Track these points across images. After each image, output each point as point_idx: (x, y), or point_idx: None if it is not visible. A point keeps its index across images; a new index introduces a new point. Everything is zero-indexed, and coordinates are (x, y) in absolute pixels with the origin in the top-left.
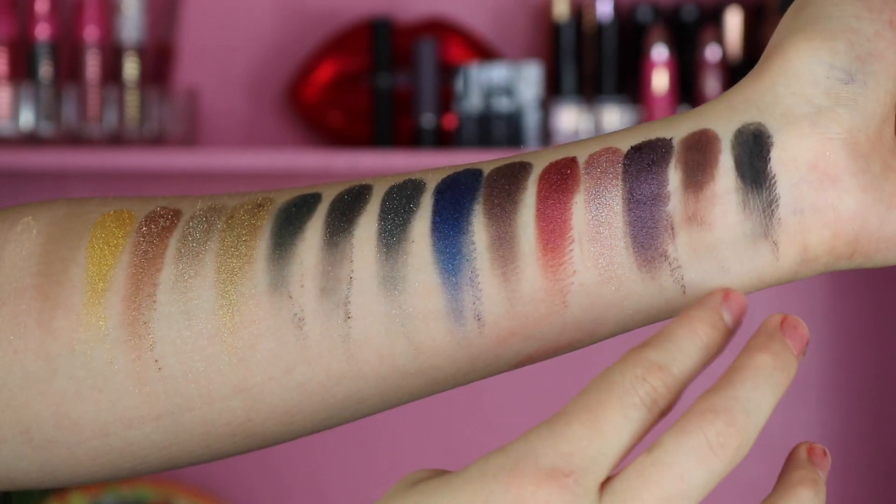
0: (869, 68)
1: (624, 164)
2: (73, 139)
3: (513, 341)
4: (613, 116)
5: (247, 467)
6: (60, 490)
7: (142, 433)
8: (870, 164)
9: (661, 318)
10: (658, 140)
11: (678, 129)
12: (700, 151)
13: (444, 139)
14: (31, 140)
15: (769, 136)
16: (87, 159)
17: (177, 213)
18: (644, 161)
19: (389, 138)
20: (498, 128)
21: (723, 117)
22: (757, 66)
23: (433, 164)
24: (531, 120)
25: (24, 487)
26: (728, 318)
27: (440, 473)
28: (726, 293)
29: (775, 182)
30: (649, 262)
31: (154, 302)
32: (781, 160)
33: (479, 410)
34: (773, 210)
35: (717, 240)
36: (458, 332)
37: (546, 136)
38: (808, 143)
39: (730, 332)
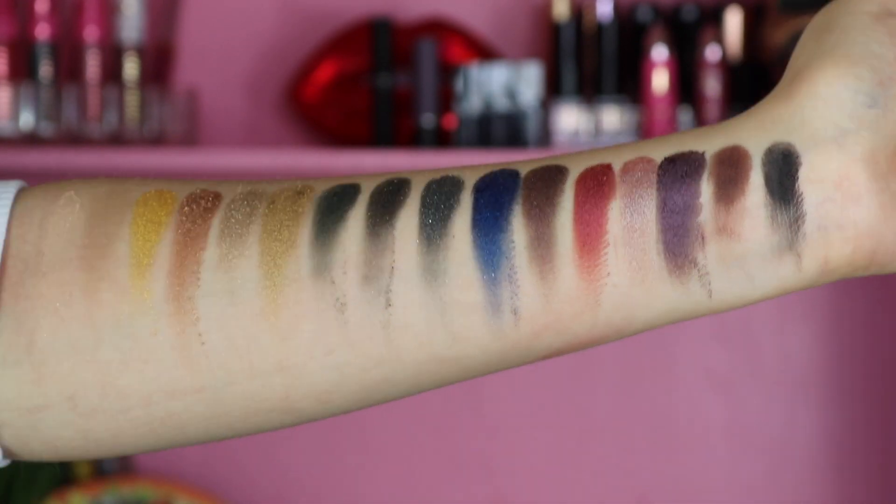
0: (890, 92)
1: (658, 175)
2: (73, 139)
3: (545, 335)
4: (613, 116)
5: (247, 467)
6: (60, 490)
7: (184, 404)
8: (888, 183)
9: (687, 318)
10: (691, 153)
11: (710, 143)
12: (732, 167)
13: (444, 139)
14: (31, 140)
15: (797, 157)
16: (87, 159)
17: (217, 196)
18: (678, 173)
19: (389, 138)
20: (498, 128)
21: (753, 135)
22: (785, 87)
23: (433, 164)
24: (531, 120)
25: (66, 457)
26: None
27: None
28: None
29: (802, 199)
30: (679, 268)
31: (198, 279)
32: (809, 179)
33: (479, 411)
34: (799, 225)
35: (746, 251)
36: (494, 324)
37: (546, 136)
38: (834, 164)
39: None
